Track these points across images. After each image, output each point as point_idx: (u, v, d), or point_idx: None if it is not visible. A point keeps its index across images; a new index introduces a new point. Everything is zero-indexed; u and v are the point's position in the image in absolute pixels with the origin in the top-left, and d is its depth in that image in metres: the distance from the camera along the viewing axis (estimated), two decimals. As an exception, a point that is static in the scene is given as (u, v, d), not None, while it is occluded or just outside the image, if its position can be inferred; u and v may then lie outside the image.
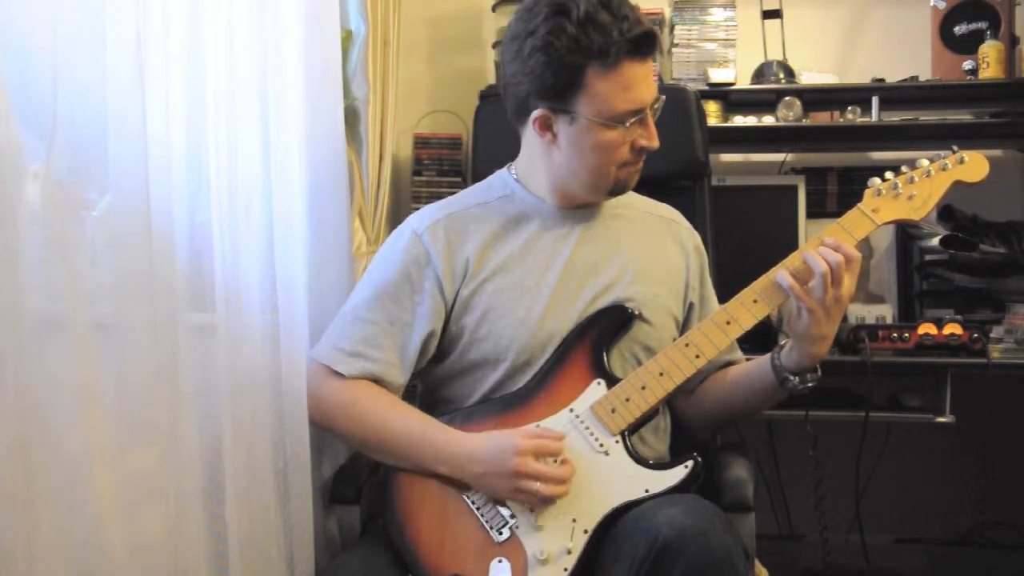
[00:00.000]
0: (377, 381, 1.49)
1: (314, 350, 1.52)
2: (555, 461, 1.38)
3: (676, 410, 1.61)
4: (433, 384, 1.57)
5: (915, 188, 1.49)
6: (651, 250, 1.60)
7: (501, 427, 1.44)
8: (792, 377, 1.47)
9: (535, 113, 1.48)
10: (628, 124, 1.44)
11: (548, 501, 1.36)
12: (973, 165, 1.49)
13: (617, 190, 1.54)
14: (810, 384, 1.48)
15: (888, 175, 1.50)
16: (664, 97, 1.49)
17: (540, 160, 1.54)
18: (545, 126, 1.48)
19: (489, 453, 1.38)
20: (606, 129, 1.44)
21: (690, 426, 1.64)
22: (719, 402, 1.59)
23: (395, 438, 1.45)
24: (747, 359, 1.62)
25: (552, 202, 1.56)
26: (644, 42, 1.41)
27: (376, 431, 1.46)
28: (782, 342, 1.50)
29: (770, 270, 1.46)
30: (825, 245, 1.41)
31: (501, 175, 1.62)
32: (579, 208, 1.57)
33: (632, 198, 1.65)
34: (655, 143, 1.48)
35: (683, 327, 1.61)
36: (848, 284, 1.40)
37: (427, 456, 1.42)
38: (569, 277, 1.52)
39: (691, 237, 1.67)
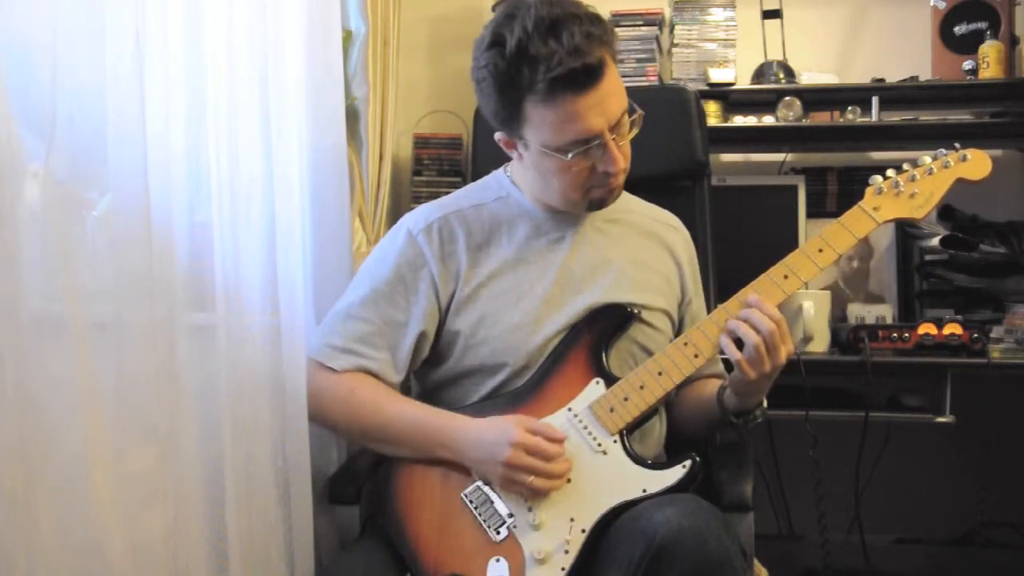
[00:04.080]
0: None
1: (306, 347, 1.52)
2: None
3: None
4: (430, 387, 1.57)
5: (917, 186, 1.48)
6: (647, 256, 1.60)
7: (502, 424, 1.44)
8: (736, 419, 1.50)
9: (496, 135, 1.50)
10: (571, 155, 1.39)
11: (540, 494, 1.36)
12: (975, 162, 1.48)
13: (594, 207, 1.52)
14: (758, 421, 1.50)
15: (890, 173, 1.49)
16: (640, 113, 1.44)
17: (520, 169, 1.56)
18: (509, 146, 1.50)
19: (487, 439, 1.38)
20: (555, 157, 1.42)
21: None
22: (684, 418, 1.61)
23: (395, 424, 1.45)
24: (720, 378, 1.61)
25: (542, 207, 1.56)
26: (575, 78, 1.34)
27: (374, 418, 1.46)
28: (725, 383, 1.51)
29: (769, 269, 1.46)
30: (750, 308, 1.39)
31: (497, 176, 1.62)
32: (571, 213, 1.56)
33: (631, 202, 1.65)
34: (612, 168, 1.43)
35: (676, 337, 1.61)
36: (784, 349, 1.39)
37: (428, 440, 1.43)
38: (565, 283, 1.52)
39: (688, 247, 1.67)
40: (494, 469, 1.37)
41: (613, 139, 1.41)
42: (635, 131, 1.46)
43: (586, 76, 1.35)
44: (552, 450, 1.37)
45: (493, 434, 1.38)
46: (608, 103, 1.39)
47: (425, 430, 1.43)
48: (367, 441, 1.50)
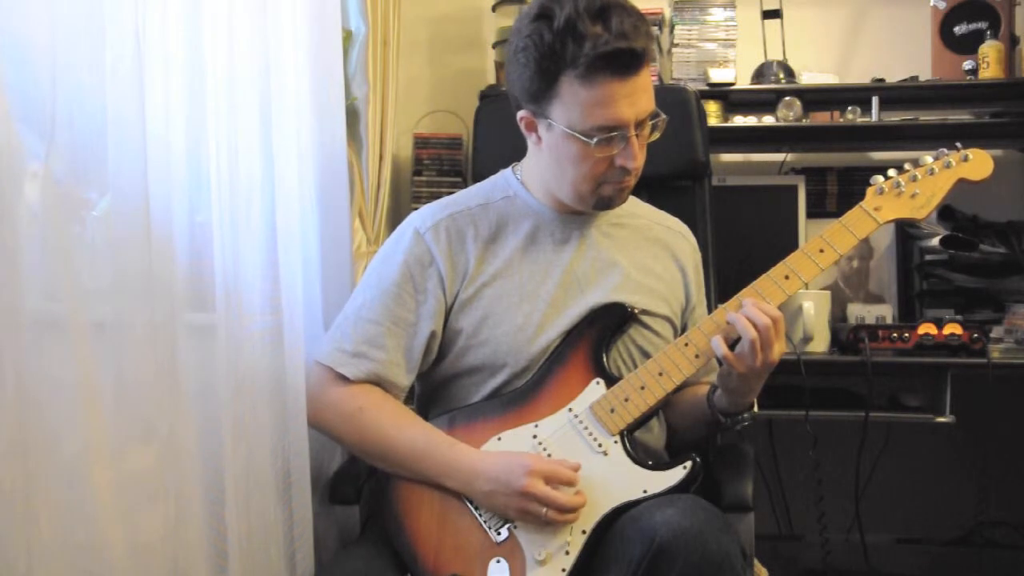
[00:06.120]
0: (381, 382, 1.49)
1: (316, 352, 1.51)
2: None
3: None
4: (431, 385, 1.57)
5: (918, 186, 1.47)
6: (652, 262, 1.59)
7: (502, 427, 1.44)
8: (724, 419, 1.50)
9: (520, 113, 1.48)
10: (595, 141, 1.39)
11: (554, 526, 1.35)
12: (977, 163, 1.47)
13: (601, 205, 1.50)
14: (745, 424, 1.50)
15: (891, 173, 1.49)
16: (665, 117, 1.44)
17: (534, 159, 1.54)
18: (530, 127, 1.49)
19: (498, 471, 1.37)
20: (576, 141, 1.41)
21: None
22: (676, 420, 1.61)
23: (400, 451, 1.43)
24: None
25: (550, 206, 1.55)
26: (619, 59, 1.35)
27: (380, 443, 1.45)
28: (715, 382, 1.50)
29: (770, 270, 1.46)
30: (748, 307, 1.39)
31: (505, 175, 1.62)
32: (578, 214, 1.56)
33: (639, 207, 1.65)
34: (631, 164, 1.42)
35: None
36: (778, 347, 1.39)
37: (432, 470, 1.41)
38: (568, 286, 1.52)
39: (694, 255, 1.67)
40: (507, 500, 1.35)
41: (636, 136, 1.42)
42: (656, 134, 1.46)
43: (628, 60, 1.36)
44: (570, 476, 1.36)
45: (506, 466, 1.37)
46: (640, 98, 1.40)
47: (430, 461, 1.42)
48: (370, 460, 1.49)
